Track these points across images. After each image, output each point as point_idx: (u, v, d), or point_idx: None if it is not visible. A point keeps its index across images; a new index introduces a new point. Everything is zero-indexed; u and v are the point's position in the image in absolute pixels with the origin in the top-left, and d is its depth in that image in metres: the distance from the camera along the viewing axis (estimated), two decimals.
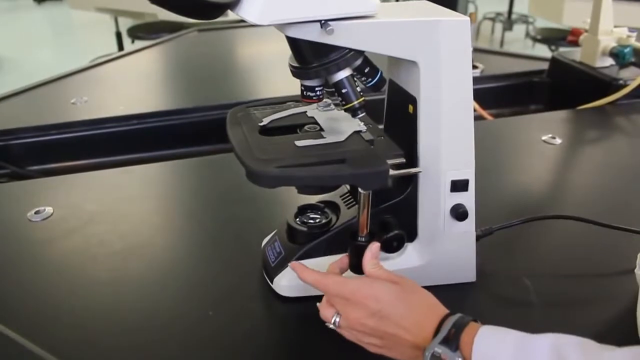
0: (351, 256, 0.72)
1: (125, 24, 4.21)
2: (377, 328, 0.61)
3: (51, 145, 1.31)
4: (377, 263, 0.68)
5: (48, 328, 0.74)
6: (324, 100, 0.80)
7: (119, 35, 4.21)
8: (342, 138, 0.73)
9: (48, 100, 1.50)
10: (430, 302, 0.63)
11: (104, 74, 1.74)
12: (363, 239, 0.72)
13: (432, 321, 0.60)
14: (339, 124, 0.77)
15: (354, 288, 0.63)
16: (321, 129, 0.76)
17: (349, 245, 0.73)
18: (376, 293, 0.62)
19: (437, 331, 0.59)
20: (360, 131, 0.75)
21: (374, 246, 0.69)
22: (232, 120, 0.78)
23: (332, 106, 0.82)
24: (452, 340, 0.57)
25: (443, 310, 0.62)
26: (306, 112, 0.81)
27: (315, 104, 0.80)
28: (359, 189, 0.69)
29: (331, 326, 0.65)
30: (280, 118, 0.79)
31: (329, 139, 0.73)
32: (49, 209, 1.00)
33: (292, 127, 0.78)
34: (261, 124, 0.76)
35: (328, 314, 0.65)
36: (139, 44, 2.50)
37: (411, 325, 0.60)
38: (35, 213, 0.99)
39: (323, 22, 0.63)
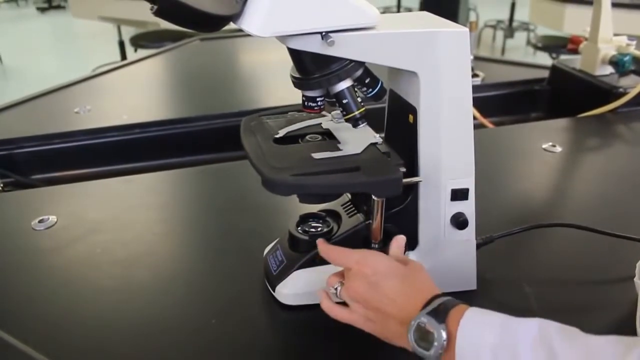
0: None
1: (128, 32, 4.23)
2: (369, 298, 0.63)
3: (55, 154, 1.32)
4: (399, 252, 0.69)
5: (52, 336, 0.75)
6: (338, 112, 0.80)
7: (121, 44, 4.24)
8: (359, 150, 0.73)
9: (52, 110, 1.51)
10: (426, 283, 0.64)
11: (107, 83, 1.75)
12: (376, 246, 0.73)
13: (423, 297, 0.61)
14: (355, 136, 0.77)
15: (358, 258, 0.65)
16: (337, 142, 0.77)
17: None
18: (375, 264, 0.64)
19: (425, 306, 0.60)
20: (376, 143, 0.75)
21: (400, 237, 0.71)
22: (245, 129, 0.79)
23: None
24: (440, 313, 0.57)
25: (435, 291, 0.63)
26: (321, 123, 0.82)
27: (331, 116, 0.81)
28: (373, 196, 0.70)
29: (332, 291, 0.67)
30: (295, 130, 0.80)
31: (345, 151, 0.73)
32: (52, 218, 1.01)
33: (304, 136, 0.78)
34: (277, 135, 0.77)
35: (333, 280, 0.68)
36: (142, 52, 2.52)
37: (400, 299, 0.61)
38: (39, 222, 1.00)
39: (324, 33, 0.64)
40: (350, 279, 0.65)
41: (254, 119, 0.83)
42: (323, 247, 0.71)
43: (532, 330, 0.54)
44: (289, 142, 0.77)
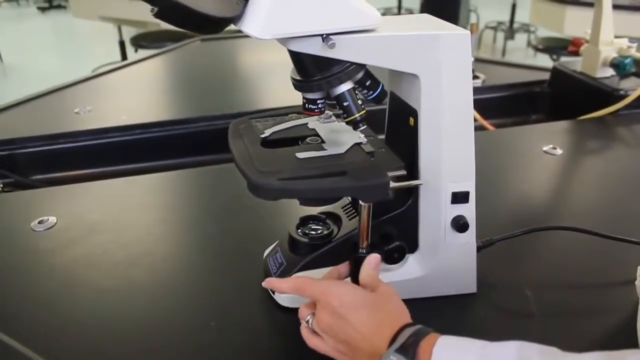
0: (352, 268, 0.73)
1: (128, 33, 4.23)
2: (337, 331, 0.61)
3: (55, 155, 1.32)
4: (373, 274, 0.67)
5: (51, 337, 0.75)
6: (325, 112, 0.81)
7: (122, 44, 4.23)
8: (343, 150, 0.74)
9: (52, 110, 1.51)
10: (395, 311, 0.62)
11: (107, 83, 1.75)
12: (364, 251, 0.73)
13: (390, 330, 0.58)
14: (340, 136, 0.77)
15: (323, 288, 0.64)
16: (322, 141, 0.77)
17: (350, 256, 0.73)
18: (341, 294, 0.62)
19: (393, 340, 0.57)
20: (360, 143, 0.76)
21: (372, 257, 0.69)
22: (233, 132, 0.79)
23: (333, 118, 0.82)
24: (409, 348, 0.55)
25: (404, 321, 0.60)
26: (307, 124, 0.82)
27: (317, 116, 0.81)
28: (360, 201, 0.70)
29: (304, 323, 0.66)
30: (282, 130, 0.80)
31: (329, 150, 0.73)
32: (52, 219, 1.01)
33: (293, 139, 0.78)
34: (262, 135, 0.77)
35: (305, 311, 0.66)
36: (142, 53, 2.52)
37: (368, 332, 0.59)
38: (39, 223, 0.99)
39: (325, 36, 0.64)
40: (319, 310, 0.63)
41: (242, 122, 0.82)
42: (285, 284, 0.68)
43: (511, 353, 0.52)
44: (287, 145, 0.77)
